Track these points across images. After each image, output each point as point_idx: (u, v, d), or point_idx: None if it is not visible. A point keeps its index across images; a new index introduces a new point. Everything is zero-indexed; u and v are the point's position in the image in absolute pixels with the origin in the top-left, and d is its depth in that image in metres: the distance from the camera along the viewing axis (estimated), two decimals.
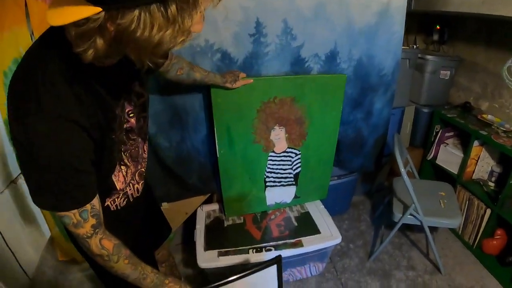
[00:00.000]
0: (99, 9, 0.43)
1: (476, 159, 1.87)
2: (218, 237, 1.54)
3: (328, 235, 1.52)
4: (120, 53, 0.55)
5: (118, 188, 0.80)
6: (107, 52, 0.52)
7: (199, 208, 1.73)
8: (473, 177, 1.92)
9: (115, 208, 0.82)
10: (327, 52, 1.47)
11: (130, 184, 0.85)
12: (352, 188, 2.10)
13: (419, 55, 2.02)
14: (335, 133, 1.62)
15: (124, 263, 0.71)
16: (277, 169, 1.63)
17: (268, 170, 1.62)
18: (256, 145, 1.52)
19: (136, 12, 0.44)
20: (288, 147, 1.58)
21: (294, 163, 1.64)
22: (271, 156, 1.58)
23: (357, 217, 2.17)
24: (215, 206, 1.73)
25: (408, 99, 2.12)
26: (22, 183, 1.51)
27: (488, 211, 1.77)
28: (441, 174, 2.11)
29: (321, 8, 1.36)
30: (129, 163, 0.81)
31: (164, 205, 1.80)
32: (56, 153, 0.57)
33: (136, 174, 0.86)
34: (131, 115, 0.75)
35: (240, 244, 1.47)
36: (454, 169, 2.00)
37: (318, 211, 1.69)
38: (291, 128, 1.53)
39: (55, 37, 0.55)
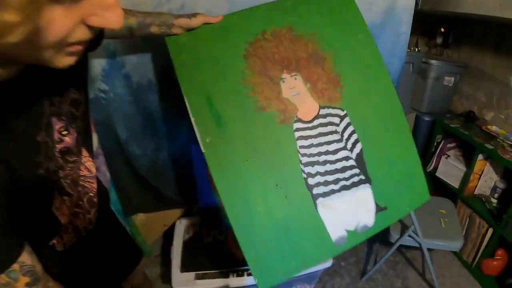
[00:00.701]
0: None
1: (480, 173, 1.74)
2: (196, 256, 1.37)
3: None
4: None
5: (63, 222, 0.64)
6: None
7: (178, 220, 1.56)
8: (475, 193, 1.80)
9: (63, 248, 0.66)
10: None
11: (79, 215, 0.68)
12: None
13: (423, 60, 1.87)
14: (380, 65, 1.01)
15: None
16: (319, 153, 0.89)
17: (304, 160, 0.87)
18: (262, 114, 0.88)
19: None
20: (321, 106, 0.92)
21: (345, 133, 0.92)
22: (298, 129, 0.90)
23: None
24: (195, 220, 1.56)
25: (409, 106, 1.99)
26: None
27: (490, 231, 1.65)
28: (440, 187, 1.98)
29: None
30: (72, 190, 0.64)
31: (140, 216, 1.63)
32: None
33: (84, 202, 0.69)
34: (63, 132, 0.57)
35: (220, 266, 1.31)
36: (455, 183, 1.87)
37: None
38: (310, 72, 0.93)
39: None
